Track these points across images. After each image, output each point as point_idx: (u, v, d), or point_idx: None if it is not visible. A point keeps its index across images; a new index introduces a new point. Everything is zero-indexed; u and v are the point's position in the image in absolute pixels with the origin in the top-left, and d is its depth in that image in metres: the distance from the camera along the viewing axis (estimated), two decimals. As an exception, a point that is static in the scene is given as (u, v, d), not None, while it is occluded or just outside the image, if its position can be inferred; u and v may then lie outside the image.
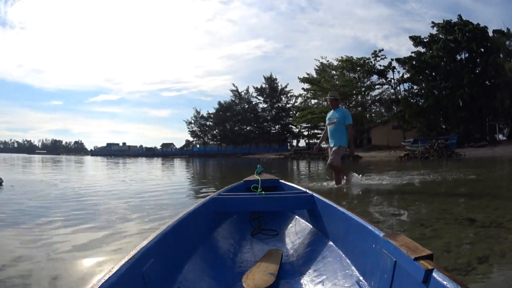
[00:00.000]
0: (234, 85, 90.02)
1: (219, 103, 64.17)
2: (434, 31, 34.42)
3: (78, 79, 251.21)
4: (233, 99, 63.94)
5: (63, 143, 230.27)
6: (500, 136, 33.57)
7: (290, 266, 1.65)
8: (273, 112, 61.07)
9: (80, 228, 3.08)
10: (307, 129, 53.39)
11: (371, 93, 41.96)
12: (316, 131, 53.57)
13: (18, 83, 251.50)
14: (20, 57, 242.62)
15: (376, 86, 40.91)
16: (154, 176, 11.10)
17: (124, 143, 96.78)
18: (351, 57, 40.33)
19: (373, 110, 42.96)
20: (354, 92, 40.36)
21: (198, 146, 69.64)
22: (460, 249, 2.12)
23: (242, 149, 60.18)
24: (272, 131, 62.58)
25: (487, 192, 5.15)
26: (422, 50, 34.70)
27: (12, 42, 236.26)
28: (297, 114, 44.85)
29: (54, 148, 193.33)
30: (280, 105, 61.07)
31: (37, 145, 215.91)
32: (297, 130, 55.32)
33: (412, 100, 34.58)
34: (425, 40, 34.77)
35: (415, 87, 35.61)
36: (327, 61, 44.12)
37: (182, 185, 8.09)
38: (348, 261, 1.37)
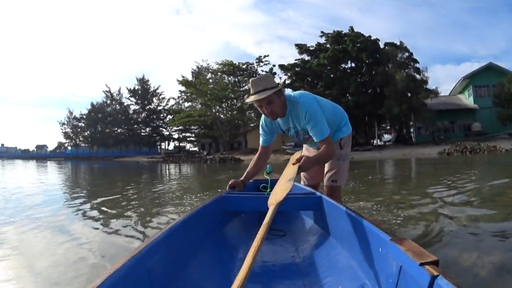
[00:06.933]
0: (107, 85, 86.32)
1: (92, 104, 61.74)
2: (322, 40, 32.99)
3: None
4: (105, 100, 61.25)
5: None
6: (381, 141, 35.46)
7: (296, 267, 1.62)
8: (144, 114, 59.02)
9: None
10: (178, 132, 52.76)
11: (250, 97, 38.56)
12: (186, 134, 52.16)
13: None
14: None
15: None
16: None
17: (2, 145, 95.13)
18: (231, 61, 39.46)
19: (247, 115, 40.21)
20: (233, 96, 38.34)
21: (70, 148, 67.59)
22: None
23: (113, 152, 58.26)
24: (142, 134, 60.40)
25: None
26: (307, 58, 32.80)
27: None
28: (173, 117, 43.59)
29: None
30: (151, 107, 59.00)
31: None
32: (168, 133, 54.99)
33: (294, 106, 31.17)
34: (311, 49, 33.09)
35: (297, 93, 32.43)
36: (208, 63, 43.73)
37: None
38: (354, 263, 1.34)
